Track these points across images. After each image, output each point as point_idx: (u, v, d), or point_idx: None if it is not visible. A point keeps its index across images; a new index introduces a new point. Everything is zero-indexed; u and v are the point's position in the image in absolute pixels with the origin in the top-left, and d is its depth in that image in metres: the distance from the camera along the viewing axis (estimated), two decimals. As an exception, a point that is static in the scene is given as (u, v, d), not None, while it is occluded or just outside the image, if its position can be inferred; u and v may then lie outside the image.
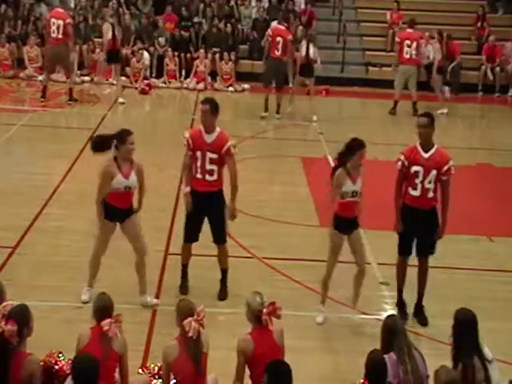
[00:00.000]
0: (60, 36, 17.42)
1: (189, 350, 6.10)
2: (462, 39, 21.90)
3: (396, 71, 18.61)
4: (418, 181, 8.29)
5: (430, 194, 8.32)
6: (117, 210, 8.29)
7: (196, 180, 8.61)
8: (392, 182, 8.56)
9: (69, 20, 17.58)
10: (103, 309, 6.27)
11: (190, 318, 6.11)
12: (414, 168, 8.29)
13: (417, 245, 8.54)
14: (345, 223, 8.24)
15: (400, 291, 8.76)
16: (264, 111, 17.51)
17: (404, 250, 8.63)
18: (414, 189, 8.33)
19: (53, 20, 17.47)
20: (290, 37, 17.43)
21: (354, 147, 8.14)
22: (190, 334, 6.08)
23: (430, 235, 8.45)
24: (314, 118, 17.42)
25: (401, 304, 8.74)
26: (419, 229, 8.40)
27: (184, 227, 8.85)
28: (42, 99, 17.65)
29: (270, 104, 17.49)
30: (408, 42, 18.16)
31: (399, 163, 8.38)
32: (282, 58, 17.33)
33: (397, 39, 18.79)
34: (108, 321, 6.16)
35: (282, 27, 17.75)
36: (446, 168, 8.29)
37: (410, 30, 18.56)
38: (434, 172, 8.26)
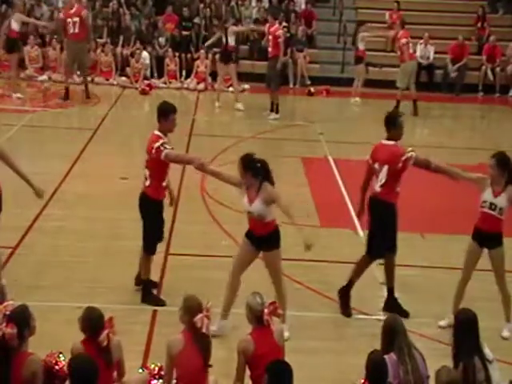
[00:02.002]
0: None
1: (198, 344, 6.08)
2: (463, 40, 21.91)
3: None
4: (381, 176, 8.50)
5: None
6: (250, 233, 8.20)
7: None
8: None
9: (83, 12, 17.73)
10: (95, 323, 6.03)
11: (201, 315, 6.10)
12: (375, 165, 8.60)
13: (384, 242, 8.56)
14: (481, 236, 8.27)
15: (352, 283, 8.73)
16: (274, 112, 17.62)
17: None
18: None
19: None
20: (277, 33, 17.36)
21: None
22: (204, 330, 6.08)
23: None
24: (239, 106, 18.02)
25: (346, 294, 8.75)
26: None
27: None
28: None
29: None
30: (410, 39, 18.44)
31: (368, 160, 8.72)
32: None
33: (405, 40, 18.42)
34: (105, 334, 5.97)
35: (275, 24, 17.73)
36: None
37: (405, 30, 18.68)
38: (385, 167, 8.46)
